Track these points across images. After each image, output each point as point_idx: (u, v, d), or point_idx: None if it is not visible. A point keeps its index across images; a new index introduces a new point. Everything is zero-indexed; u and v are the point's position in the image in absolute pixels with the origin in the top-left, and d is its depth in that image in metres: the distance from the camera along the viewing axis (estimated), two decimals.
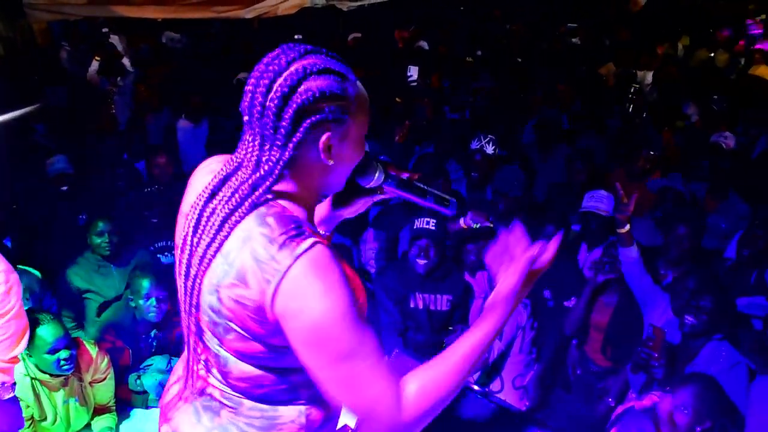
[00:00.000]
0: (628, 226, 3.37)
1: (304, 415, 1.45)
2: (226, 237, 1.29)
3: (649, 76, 7.47)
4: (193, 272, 1.34)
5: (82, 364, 2.96)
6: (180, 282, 1.40)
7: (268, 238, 1.24)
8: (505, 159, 4.74)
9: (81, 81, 6.82)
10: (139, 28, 8.37)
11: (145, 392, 3.29)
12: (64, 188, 4.46)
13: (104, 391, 3.10)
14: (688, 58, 9.05)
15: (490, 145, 4.49)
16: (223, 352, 1.38)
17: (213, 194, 1.34)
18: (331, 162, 1.32)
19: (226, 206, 1.30)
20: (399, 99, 6.20)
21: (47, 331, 2.79)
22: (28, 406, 2.85)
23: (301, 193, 1.36)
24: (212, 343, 1.39)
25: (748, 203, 4.35)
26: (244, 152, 1.33)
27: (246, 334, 1.31)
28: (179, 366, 1.62)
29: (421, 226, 3.54)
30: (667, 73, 7.33)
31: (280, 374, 1.39)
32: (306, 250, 1.22)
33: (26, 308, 3.18)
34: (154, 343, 3.37)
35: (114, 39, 7.75)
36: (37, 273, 3.82)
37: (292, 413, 1.44)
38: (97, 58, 6.60)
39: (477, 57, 7.72)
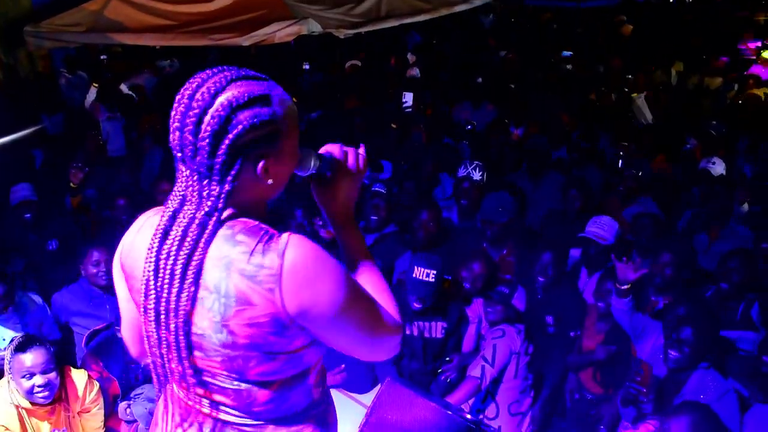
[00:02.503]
0: (628, 286, 3.30)
1: (319, 426, 1.51)
2: (194, 283, 1.29)
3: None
4: (170, 322, 1.32)
5: (70, 393, 2.93)
6: (150, 329, 1.36)
7: (248, 253, 1.27)
8: (492, 186, 4.73)
9: (78, 108, 6.86)
10: (137, 55, 8.47)
11: (135, 421, 3.25)
12: (27, 216, 4.48)
13: (93, 422, 3.06)
14: (682, 83, 9.15)
15: (477, 171, 4.49)
16: (244, 385, 1.38)
17: (165, 234, 1.33)
18: (270, 182, 1.35)
19: (181, 251, 1.30)
20: (395, 125, 6.25)
21: (27, 356, 2.76)
22: None
23: (249, 209, 1.37)
24: (230, 381, 1.37)
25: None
26: (184, 185, 1.34)
27: (269, 352, 1.33)
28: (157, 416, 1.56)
29: (420, 278, 3.42)
30: (660, 99, 7.40)
31: (300, 379, 1.43)
32: (287, 244, 1.28)
33: (24, 333, 3.18)
34: (143, 373, 3.32)
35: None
36: (38, 299, 3.81)
37: (309, 429, 1.48)
38: (94, 85, 6.65)
39: (473, 84, 7.79)
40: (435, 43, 10.70)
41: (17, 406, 2.82)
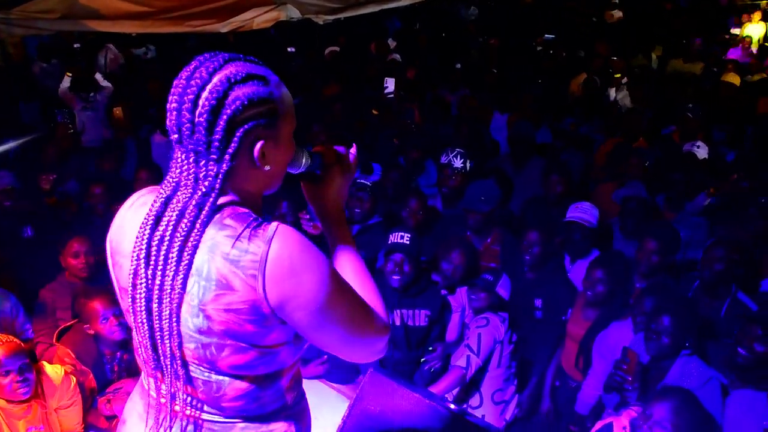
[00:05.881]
0: None
1: (293, 424, 1.49)
2: (189, 266, 1.28)
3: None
4: (163, 308, 1.30)
5: (46, 390, 2.86)
6: (140, 320, 1.34)
7: (234, 237, 1.26)
8: (477, 173, 4.69)
9: (54, 97, 6.72)
10: (112, 42, 8.31)
11: (115, 417, 3.20)
12: (7, 204, 4.40)
13: (71, 417, 2.99)
14: (662, 68, 9.17)
15: (458, 158, 4.44)
16: (215, 377, 1.37)
17: (158, 220, 1.32)
18: (267, 168, 1.35)
19: (177, 233, 1.29)
20: (375, 111, 6.20)
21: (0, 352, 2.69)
22: None
23: (245, 198, 1.37)
24: (200, 372, 1.37)
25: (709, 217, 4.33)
26: (178, 171, 1.32)
27: (242, 343, 1.31)
28: (134, 408, 1.54)
29: (395, 240, 3.50)
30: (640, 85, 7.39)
31: (273, 380, 1.42)
32: (275, 232, 1.27)
33: None
34: (119, 366, 3.25)
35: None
36: (11, 296, 3.72)
37: (282, 426, 1.47)
38: (68, 74, 6.50)
39: (455, 69, 7.75)
40: (416, 28, 10.63)
41: None
